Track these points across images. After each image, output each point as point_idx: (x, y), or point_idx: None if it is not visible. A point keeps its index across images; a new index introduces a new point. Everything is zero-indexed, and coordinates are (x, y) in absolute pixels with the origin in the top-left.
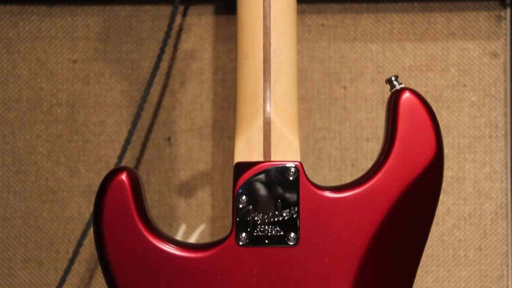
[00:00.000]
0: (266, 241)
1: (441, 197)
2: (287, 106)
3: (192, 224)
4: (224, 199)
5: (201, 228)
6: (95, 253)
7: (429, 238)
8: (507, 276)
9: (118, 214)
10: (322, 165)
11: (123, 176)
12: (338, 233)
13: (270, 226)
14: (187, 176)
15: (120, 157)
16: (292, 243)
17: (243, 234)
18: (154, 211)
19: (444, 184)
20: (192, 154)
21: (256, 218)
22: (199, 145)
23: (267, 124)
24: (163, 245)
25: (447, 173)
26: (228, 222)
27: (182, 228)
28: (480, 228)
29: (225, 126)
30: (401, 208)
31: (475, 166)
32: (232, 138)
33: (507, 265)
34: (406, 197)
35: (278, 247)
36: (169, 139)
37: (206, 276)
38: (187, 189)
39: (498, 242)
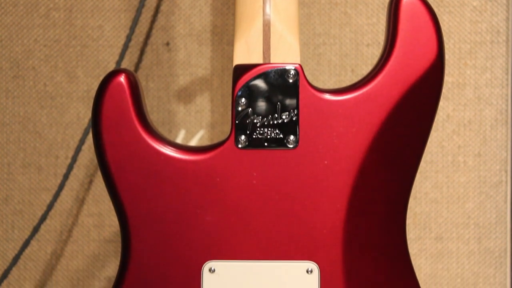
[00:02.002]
0: (265, 144)
1: (441, 103)
2: (287, 7)
3: (191, 130)
4: (223, 105)
5: (200, 133)
6: (95, 158)
7: (429, 144)
8: (506, 182)
9: (117, 116)
10: (321, 70)
11: (122, 78)
12: (338, 136)
13: (269, 129)
14: (186, 81)
15: (119, 62)
16: (291, 146)
17: (242, 137)
18: (153, 117)
19: (444, 90)
20: (191, 59)
21: (255, 121)
22: (198, 50)
23: (266, 25)
24: (162, 148)
25: (447, 79)
26: (227, 128)
27: (182, 134)
28: (480, 134)
29: (224, 31)
30: (401, 111)
31: (476, 72)
32: (231, 43)
33: (505, 171)
34: (406, 100)
35: (277, 150)
36: (167, 44)
37: (205, 178)
38: (186, 95)
39: (497, 148)
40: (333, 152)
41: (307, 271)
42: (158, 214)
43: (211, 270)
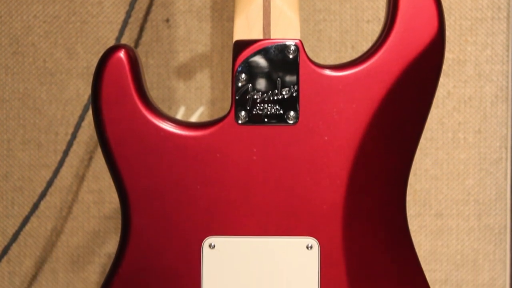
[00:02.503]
0: (265, 120)
1: (441, 80)
2: None
3: (191, 107)
4: (223, 81)
5: (200, 110)
6: (95, 135)
7: (429, 121)
8: (506, 158)
9: (117, 92)
10: (322, 47)
11: (121, 53)
12: (338, 112)
13: (270, 105)
14: (186, 58)
15: (118, 39)
16: (291, 122)
17: (242, 113)
18: (153, 93)
19: (444, 67)
20: (191, 35)
21: (255, 97)
22: (198, 27)
23: (267, 1)
24: (162, 123)
25: (448, 56)
26: (227, 105)
27: (182, 110)
28: (480, 110)
29: (224, 8)
30: (401, 87)
31: (476, 49)
32: (231, 20)
33: (506, 148)
34: (407, 76)
35: (277, 126)
36: (167, 20)
37: (205, 154)
38: (186, 71)
39: (498, 125)
40: (333, 128)
41: (307, 247)
42: (158, 190)
43: (211, 246)
